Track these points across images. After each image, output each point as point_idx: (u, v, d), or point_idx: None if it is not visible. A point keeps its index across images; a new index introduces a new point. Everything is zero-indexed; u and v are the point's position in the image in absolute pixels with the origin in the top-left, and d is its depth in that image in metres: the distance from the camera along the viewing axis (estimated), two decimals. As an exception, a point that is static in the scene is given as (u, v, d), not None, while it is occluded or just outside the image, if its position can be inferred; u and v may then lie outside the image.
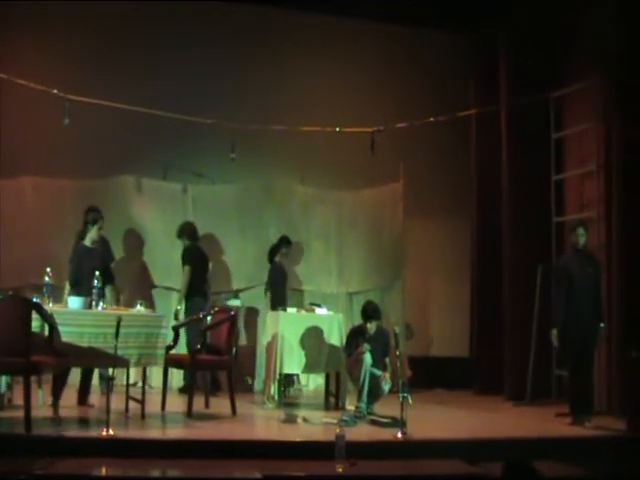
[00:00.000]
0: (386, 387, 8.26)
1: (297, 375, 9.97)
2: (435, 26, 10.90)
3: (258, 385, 10.01)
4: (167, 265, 10.33)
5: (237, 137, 9.45)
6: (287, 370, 9.02)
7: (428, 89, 11.08)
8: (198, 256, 9.92)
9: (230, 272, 10.57)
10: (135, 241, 10.31)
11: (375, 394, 8.27)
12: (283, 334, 8.92)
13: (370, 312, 8.46)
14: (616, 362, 8.68)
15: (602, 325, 8.33)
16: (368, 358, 8.15)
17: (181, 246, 9.98)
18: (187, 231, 9.94)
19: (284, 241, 10.17)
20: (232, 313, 8.51)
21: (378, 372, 8.24)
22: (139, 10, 10.54)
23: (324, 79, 11.16)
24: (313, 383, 10.35)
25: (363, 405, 8.18)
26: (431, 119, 10.08)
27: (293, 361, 8.94)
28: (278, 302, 9.73)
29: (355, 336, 8.49)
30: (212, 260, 10.31)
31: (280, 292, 10.04)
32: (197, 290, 9.79)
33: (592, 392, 8.43)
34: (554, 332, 8.33)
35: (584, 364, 8.25)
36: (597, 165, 9.39)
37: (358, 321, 8.78)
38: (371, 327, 8.41)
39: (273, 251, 10.14)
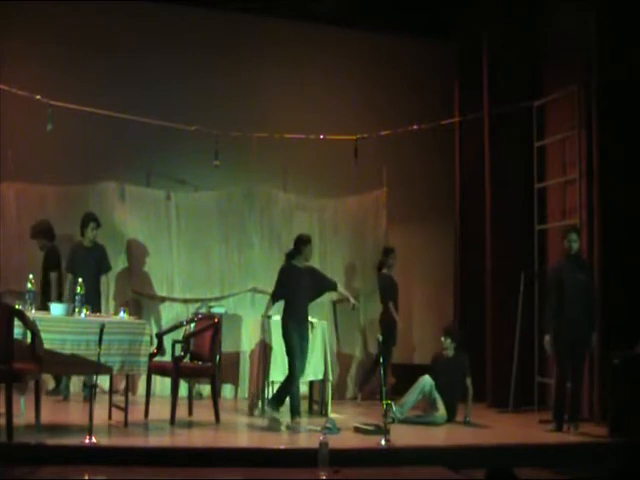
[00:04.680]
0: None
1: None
2: (418, 34, 10.94)
3: (241, 392, 9.99)
4: (150, 271, 10.28)
5: (220, 144, 9.43)
6: (272, 378, 8.99)
7: (411, 97, 11.12)
8: (59, 259, 9.53)
9: (213, 279, 10.52)
10: (117, 248, 10.24)
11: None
12: (268, 342, 8.89)
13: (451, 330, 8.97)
14: (598, 369, 8.71)
15: (594, 332, 8.26)
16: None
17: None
18: (45, 231, 9.48)
19: (387, 252, 10.29)
20: (215, 320, 8.48)
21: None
22: (123, 17, 10.54)
23: (307, 86, 11.17)
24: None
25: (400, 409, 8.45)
26: (414, 127, 10.12)
27: (277, 368, 8.91)
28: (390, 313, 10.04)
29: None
30: (193, 266, 10.29)
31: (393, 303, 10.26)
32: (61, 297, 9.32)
33: (580, 399, 8.41)
34: (547, 339, 8.28)
35: (575, 371, 8.20)
36: (579, 173, 9.44)
37: (342, 329, 8.76)
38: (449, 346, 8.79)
39: (380, 264, 10.31)
